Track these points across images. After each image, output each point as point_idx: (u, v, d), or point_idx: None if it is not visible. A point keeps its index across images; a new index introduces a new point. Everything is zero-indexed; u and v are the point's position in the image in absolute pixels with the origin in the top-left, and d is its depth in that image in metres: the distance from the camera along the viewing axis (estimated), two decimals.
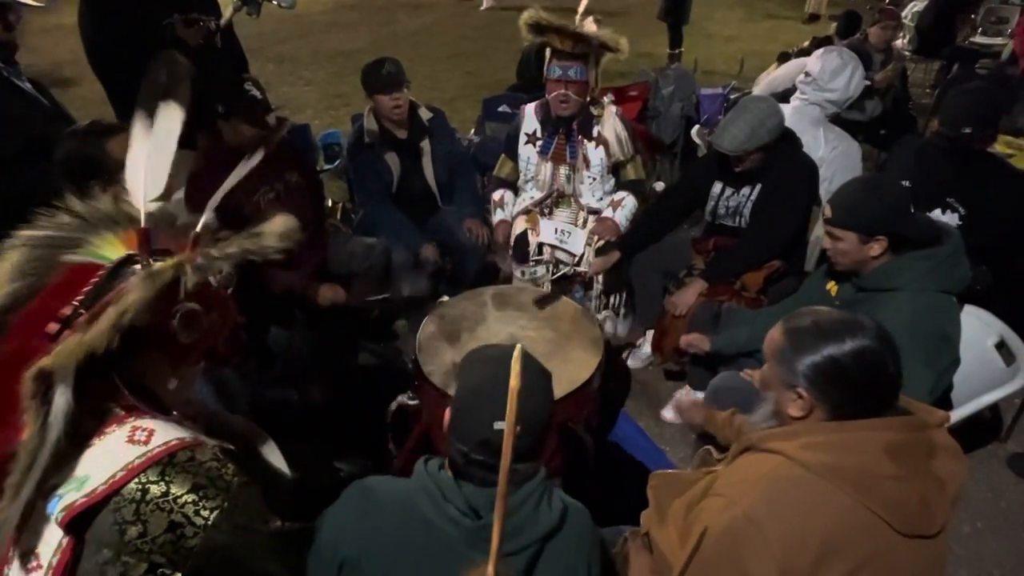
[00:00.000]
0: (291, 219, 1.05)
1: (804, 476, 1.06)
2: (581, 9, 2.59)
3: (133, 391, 0.96)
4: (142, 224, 0.98)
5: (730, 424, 1.66)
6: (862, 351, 1.07)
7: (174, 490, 0.87)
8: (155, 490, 0.87)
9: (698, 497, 1.23)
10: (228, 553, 0.92)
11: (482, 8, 9.80)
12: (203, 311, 0.99)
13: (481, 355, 1.12)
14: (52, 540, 0.86)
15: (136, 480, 0.86)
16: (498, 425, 0.97)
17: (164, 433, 0.92)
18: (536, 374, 1.07)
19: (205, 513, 0.88)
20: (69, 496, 0.85)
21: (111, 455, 0.88)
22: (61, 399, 0.83)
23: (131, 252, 0.96)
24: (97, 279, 0.92)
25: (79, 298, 0.90)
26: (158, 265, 0.92)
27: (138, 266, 0.93)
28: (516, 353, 0.88)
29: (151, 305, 0.88)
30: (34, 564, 0.87)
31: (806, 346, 1.11)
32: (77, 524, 0.85)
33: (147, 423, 0.92)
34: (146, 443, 0.89)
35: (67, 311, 0.89)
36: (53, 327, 0.87)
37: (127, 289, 0.88)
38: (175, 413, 1.05)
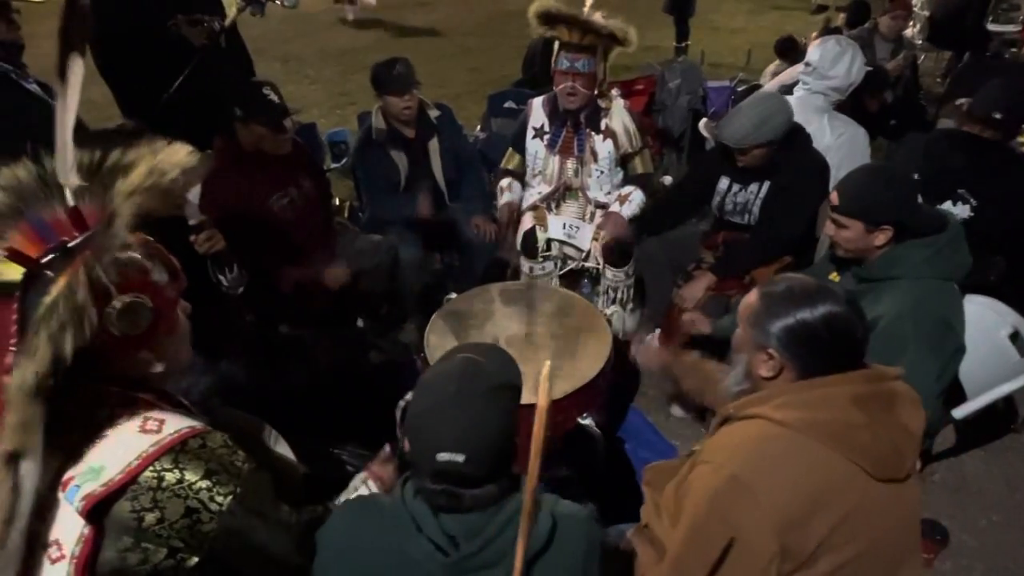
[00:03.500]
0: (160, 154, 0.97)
1: (784, 434, 1.11)
2: (589, 1, 2.57)
3: (128, 386, 0.97)
4: (69, 201, 0.92)
5: (697, 369, 1.70)
6: (832, 315, 1.13)
7: (188, 476, 0.90)
8: (170, 477, 0.89)
9: (684, 476, 1.26)
10: (242, 537, 0.95)
11: (349, 18, 8.97)
12: (137, 294, 0.92)
13: (431, 373, 1.05)
14: (73, 530, 0.88)
15: (151, 468, 0.89)
16: (441, 456, 0.94)
17: (175, 422, 0.94)
18: (481, 395, 0.98)
19: (219, 499, 0.91)
20: (87, 486, 0.87)
21: (125, 444, 0.90)
22: (28, 463, 0.84)
23: (26, 269, 0.89)
24: (16, 315, 0.88)
25: (13, 342, 0.87)
26: (49, 299, 0.85)
27: (50, 293, 0.86)
28: (545, 372, 0.85)
29: (70, 337, 0.83)
30: (58, 555, 0.89)
31: (779, 310, 1.17)
32: (96, 512, 0.87)
33: (157, 413, 0.94)
34: (158, 432, 0.91)
35: (11, 360, 0.86)
36: (9, 380, 0.86)
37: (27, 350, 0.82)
38: (183, 402, 1.06)
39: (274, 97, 2.25)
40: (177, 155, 0.98)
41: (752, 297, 1.24)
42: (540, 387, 0.83)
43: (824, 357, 1.15)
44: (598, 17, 2.53)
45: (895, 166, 2.34)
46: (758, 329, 1.19)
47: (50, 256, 0.90)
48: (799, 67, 3.64)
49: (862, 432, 1.08)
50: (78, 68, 0.94)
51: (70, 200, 0.92)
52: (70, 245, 0.91)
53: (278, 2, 2.98)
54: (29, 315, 0.86)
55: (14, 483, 0.84)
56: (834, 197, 1.69)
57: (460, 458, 0.94)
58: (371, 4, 8.96)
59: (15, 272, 0.90)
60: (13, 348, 0.87)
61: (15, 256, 0.89)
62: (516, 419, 1.01)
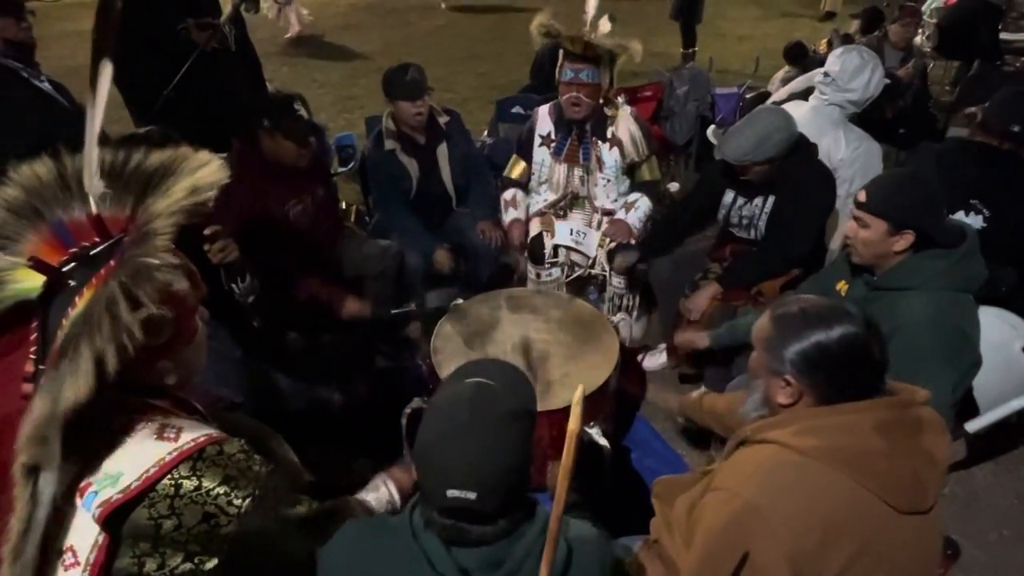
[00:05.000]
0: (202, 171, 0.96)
1: (801, 461, 1.08)
2: (590, 13, 2.57)
3: (145, 393, 0.97)
4: (93, 209, 0.91)
5: (715, 412, 1.69)
6: (847, 336, 1.10)
7: (206, 483, 0.90)
8: (188, 485, 0.89)
9: (698, 497, 1.24)
10: (259, 538, 0.95)
11: (288, 36, 8.34)
12: (160, 305, 0.89)
13: (441, 398, 1.01)
14: (88, 537, 0.88)
15: (169, 476, 0.89)
16: (452, 493, 0.90)
17: (192, 430, 0.94)
18: (494, 425, 0.93)
19: (237, 502, 0.92)
20: (104, 492, 0.87)
21: (142, 452, 0.90)
22: (46, 479, 0.84)
23: (47, 278, 0.89)
24: (37, 322, 0.88)
25: (33, 350, 0.87)
26: (76, 313, 0.83)
27: (76, 307, 0.85)
28: (577, 396, 0.82)
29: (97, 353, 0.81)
30: (71, 561, 0.89)
31: (793, 333, 1.13)
32: (112, 520, 0.87)
33: (174, 421, 0.95)
34: (175, 439, 0.92)
35: (31, 368, 0.86)
36: (28, 388, 0.86)
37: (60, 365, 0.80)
38: (199, 408, 1.07)
39: (304, 112, 2.27)
40: (213, 172, 0.97)
41: (765, 321, 1.21)
42: (572, 412, 0.81)
43: (843, 381, 1.11)
44: (604, 24, 2.52)
45: (925, 172, 2.31)
46: (773, 354, 1.16)
47: (72, 264, 0.89)
48: (812, 74, 3.64)
49: (880, 461, 1.05)
50: (107, 74, 0.93)
51: (94, 208, 0.92)
52: (92, 253, 0.90)
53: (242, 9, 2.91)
54: (51, 325, 0.86)
55: (32, 494, 0.84)
56: (861, 195, 1.65)
57: (472, 495, 0.90)
58: (303, 22, 8.50)
59: (35, 279, 0.89)
60: (32, 356, 0.86)
61: (38, 266, 0.88)
62: (531, 449, 0.97)
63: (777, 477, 1.08)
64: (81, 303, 0.85)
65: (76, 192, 0.93)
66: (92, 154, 0.92)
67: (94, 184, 0.92)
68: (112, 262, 0.88)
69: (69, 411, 0.80)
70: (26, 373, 0.86)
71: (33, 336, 0.88)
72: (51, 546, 0.88)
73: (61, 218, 0.92)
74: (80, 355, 0.80)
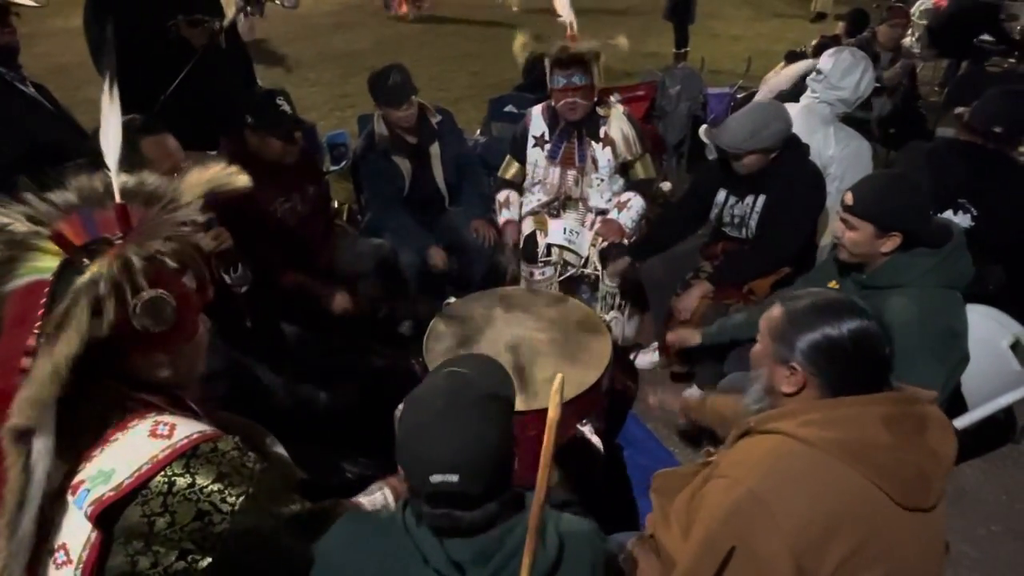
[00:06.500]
0: (202, 169, 1.02)
1: (806, 451, 1.07)
2: (566, 17, 2.58)
3: (140, 388, 0.97)
4: (117, 199, 0.94)
5: (705, 408, 1.70)
6: (858, 331, 1.11)
7: (200, 481, 0.90)
8: (181, 482, 0.89)
9: (699, 487, 1.23)
10: (254, 535, 0.95)
11: (250, 38, 8.07)
12: (165, 291, 0.91)
13: (417, 392, 1.02)
14: (80, 534, 0.88)
15: (162, 473, 0.88)
16: (435, 478, 0.90)
17: (186, 427, 0.93)
18: (470, 409, 0.94)
19: (231, 500, 0.91)
20: (97, 490, 0.86)
21: (135, 448, 0.89)
22: (40, 443, 0.83)
23: (65, 256, 0.90)
24: (45, 299, 0.88)
25: (37, 325, 0.87)
26: (83, 279, 0.86)
27: (84, 274, 0.87)
28: (556, 384, 0.82)
29: (95, 322, 0.83)
30: (63, 560, 0.88)
31: (804, 324, 1.14)
32: (104, 517, 0.86)
33: (168, 418, 0.94)
34: (169, 436, 0.91)
35: (32, 342, 0.85)
36: (26, 363, 0.85)
37: (62, 317, 0.83)
38: (192, 406, 1.06)
39: (287, 108, 2.25)
40: (227, 173, 1.02)
41: (776, 311, 1.21)
42: (551, 399, 0.81)
43: (850, 374, 1.12)
44: (566, 10, 2.53)
45: (913, 174, 2.34)
46: (781, 343, 1.16)
47: (90, 248, 0.91)
48: (792, 69, 3.67)
49: (886, 454, 1.05)
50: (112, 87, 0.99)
51: (118, 197, 0.93)
52: (110, 239, 0.92)
53: (278, 2, 2.96)
54: (58, 297, 0.86)
55: (25, 464, 0.82)
56: (848, 198, 1.67)
57: (454, 478, 0.90)
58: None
59: (52, 259, 0.90)
60: (36, 331, 0.86)
61: (59, 239, 0.90)
62: (510, 431, 0.98)
63: (782, 467, 1.08)
64: (88, 273, 0.86)
65: (108, 193, 0.96)
66: (114, 148, 0.95)
67: (118, 176, 0.94)
68: (124, 242, 0.90)
69: (66, 365, 0.80)
70: (28, 347, 0.85)
71: (39, 312, 0.87)
72: (43, 544, 0.87)
73: (91, 211, 0.94)
74: (79, 306, 0.83)
